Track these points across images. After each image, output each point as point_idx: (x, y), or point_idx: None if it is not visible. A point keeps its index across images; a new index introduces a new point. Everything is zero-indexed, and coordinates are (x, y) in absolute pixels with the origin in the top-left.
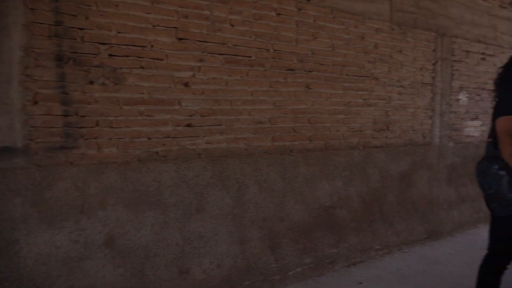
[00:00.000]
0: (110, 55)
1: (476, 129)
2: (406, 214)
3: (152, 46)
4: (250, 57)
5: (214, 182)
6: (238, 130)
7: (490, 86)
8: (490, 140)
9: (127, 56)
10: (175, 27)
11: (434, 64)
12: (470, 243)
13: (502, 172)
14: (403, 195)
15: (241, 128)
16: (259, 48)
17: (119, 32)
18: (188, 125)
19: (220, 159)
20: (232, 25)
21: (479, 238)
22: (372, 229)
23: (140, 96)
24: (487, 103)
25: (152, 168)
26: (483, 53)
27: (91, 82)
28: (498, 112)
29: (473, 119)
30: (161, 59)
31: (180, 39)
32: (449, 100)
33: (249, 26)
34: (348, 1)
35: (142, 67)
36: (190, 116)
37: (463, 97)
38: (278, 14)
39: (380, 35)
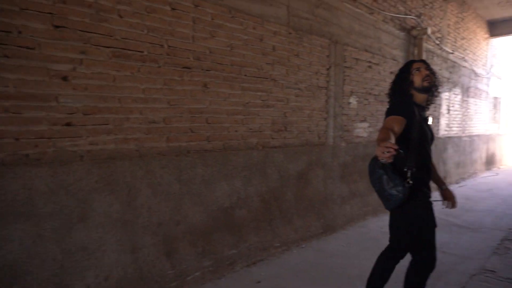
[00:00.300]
0: None
1: (364, 130)
2: (303, 211)
3: (19, 32)
4: (142, 52)
5: (101, 187)
6: (129, 130)
7: (376, 91)
8: None
9: None
10: (50, 13)
11: (328, 69)
12: (359, 235)
13: (381, 171)
14: (301, 193)
15: (131, 127)
16: (152, 43)
17: None
18: (68, 124)
19: (108, 162)
20: (120, 16)
21: (367, 229)
22: (271, 228)
23: (4, 90)
24: (373, 106)
25: (20, 173)
26: (369, 61)
27: None
28: (386, 114)
29: (362, 121)
30: (32, 48)
31: (57, 27)
32: (342, 103)
33: (140, 19)
34: (247, 2)
35: (7, 56)
36: (70, 114)
37: (353, 100)
38: (173, 9)
39: (278, 38)
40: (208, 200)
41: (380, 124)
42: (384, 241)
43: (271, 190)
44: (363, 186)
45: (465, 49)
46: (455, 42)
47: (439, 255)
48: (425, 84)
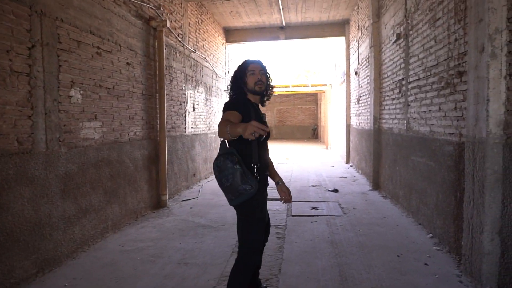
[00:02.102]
0: None
1: (96, 131)
2: None
3: None
4: None
5: None
6: None
7: (109, 84)
8: (222, 140)
9: None
10: None
11: (31, 49)
12: (93, 262)
13: (237, 166)
14: None
15: None
16: None
17: None
18: None
19: None
20: None
21: (104, 252)
22: None
23: None
24: (107, 102)
25: None
26: (98, 47)
27: None
28: (223, 109)
29: (91, 119)
30: None
31: None
32: (58, 97)
33: None
34: None
35: None
36: None
37: (76, 94)
38: None
39: None
40: None
41: (117, 123)
42: (122, 263)
43: None
44: (98, 199)
45: (206, 50)
46: (196, 41)
47: (182, 269)
48: (257, 88)
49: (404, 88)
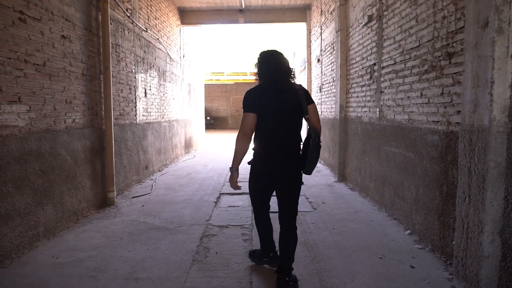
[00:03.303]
0: None
1: (20, 117)
2: None
3: None
4: None
5: None
6: None
7: (38, 59)
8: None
9: None
10: None
11: None
12: (14, 282)
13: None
14: None
15: None
16: None
17: None
18: None
19: None
20: None
21: (31, 267)
22: None
23: None
24: (35, 81)
25: None
26: (21, 12)
27: None
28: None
29: (12, 102)
30: None
31: None
32: None
33: None
34: None
35: None
36: None
37: None
38: None
39: None
40: None
41: (50, 108)
42: (54, 281)
43: None
44: (24, 201)
45: (159, 30)
46: (148, 20)
47: (131, 286)
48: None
49: (376, 73)
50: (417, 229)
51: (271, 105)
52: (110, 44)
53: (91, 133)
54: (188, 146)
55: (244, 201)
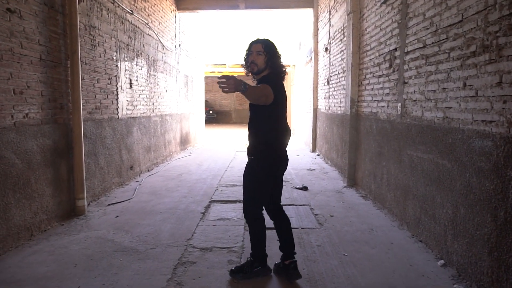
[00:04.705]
0: None
1: None
2: None
3: None
4: None
5: None
6: None
7: None
8: None
9: None
10: None
11: None
12: None
13: None
14: None
15: None
16: None
17: None
18: None
19: None
20: None
21: None
22: None
23: None
24: None
25: None
26: None
27: None
28: None
29: None
30: None
31: None
32: None
33: None
34: None
35: None
36: None
37: None
38: None
39: None
40: None
41: None
42: None
43: None
44: None
45: (149, 15)
46: (134, 1)
47: None
48: (250, 69)
49: (397, 61)
50: (455, 260)
51: (284, 96)
52: (80, 24)
53: (52, 130)
54: (184, 142)
55: (237, 211)
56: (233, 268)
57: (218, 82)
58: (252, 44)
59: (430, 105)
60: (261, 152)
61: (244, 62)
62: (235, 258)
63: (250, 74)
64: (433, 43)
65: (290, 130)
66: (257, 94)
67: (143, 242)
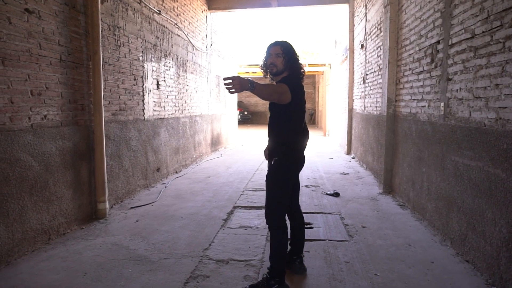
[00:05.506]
0: None
1: None
2: None
3: None
4: None
5: None
6: None
7: None
8: None
9: None
10: None
11: None
12: None
13: None
14: None
15: None
16: None
17: None
18: None
19: None
20: None
21: None
22: None
23: None
24: None
25: None
26: None
27: None
28: None
29: None
30: None
31: None
32: None
33: None
34: None
35: None
36: None
37: None
38: None
39: None
40: None
41: (3, 100)
42: None
43: None
44: None
45: (178, 15)
46: (163, 1)
47: None
48: (269, 70)
49: (440, 55)
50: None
51: (303, 98)
52: (104, 25)
53: (73, 132)
54: (215, 143)
55: (260, 219)
56: (247, 286)
57: (224, 84)
58: (270, 46)
59: (480, 104)
60: (282, 153)
61: (262, 64)
62: (252, 274)
63: (268, 75)
64: (483, 32)
65: (308, 132)
66: (268, 91)
67: (158, 251)
